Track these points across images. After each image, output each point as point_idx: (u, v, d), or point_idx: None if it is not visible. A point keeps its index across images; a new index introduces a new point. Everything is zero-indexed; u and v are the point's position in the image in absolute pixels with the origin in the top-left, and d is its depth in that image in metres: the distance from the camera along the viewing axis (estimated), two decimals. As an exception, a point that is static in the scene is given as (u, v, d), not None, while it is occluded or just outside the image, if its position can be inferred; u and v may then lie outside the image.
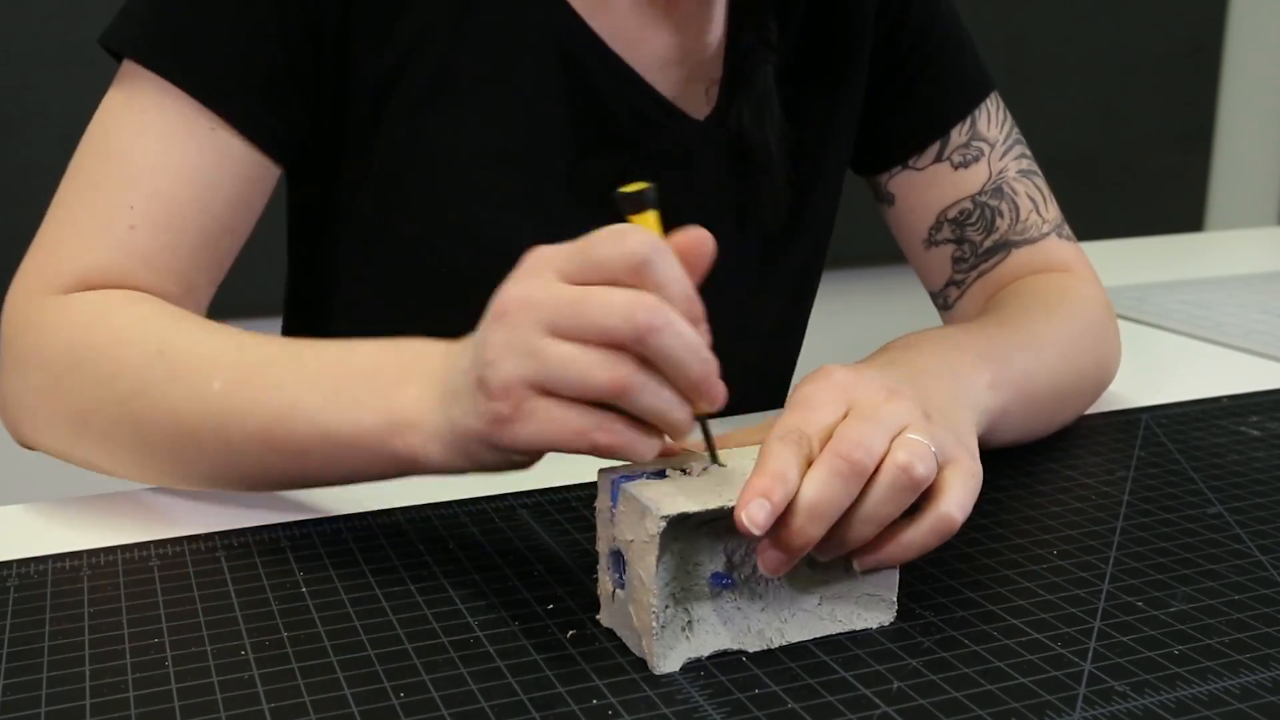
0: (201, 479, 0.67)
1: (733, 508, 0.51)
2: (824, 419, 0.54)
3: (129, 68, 0.73)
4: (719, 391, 0.52)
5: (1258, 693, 0.51)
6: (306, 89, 0.75)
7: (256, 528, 0.66)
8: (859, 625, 0.55)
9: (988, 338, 0.76)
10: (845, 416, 0.55)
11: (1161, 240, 1.57)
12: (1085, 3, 2.46)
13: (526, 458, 0.56)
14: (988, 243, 0.89)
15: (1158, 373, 0.96)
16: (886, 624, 0.56)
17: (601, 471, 0.55)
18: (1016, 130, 0.92)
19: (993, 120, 0.91)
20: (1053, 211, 0.91)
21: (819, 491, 0.51)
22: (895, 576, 0.56)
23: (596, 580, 0.56)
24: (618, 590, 0.54)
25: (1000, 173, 0.90)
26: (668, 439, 0.54)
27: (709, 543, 0.54)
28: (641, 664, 0.52)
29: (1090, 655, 0.53)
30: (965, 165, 0.89)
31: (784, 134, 0.85)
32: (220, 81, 0.72)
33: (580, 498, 0.70)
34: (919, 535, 0.55)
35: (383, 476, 0.62)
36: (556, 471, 0.74)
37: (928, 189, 0.90)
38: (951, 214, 0.90)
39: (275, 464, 0.64)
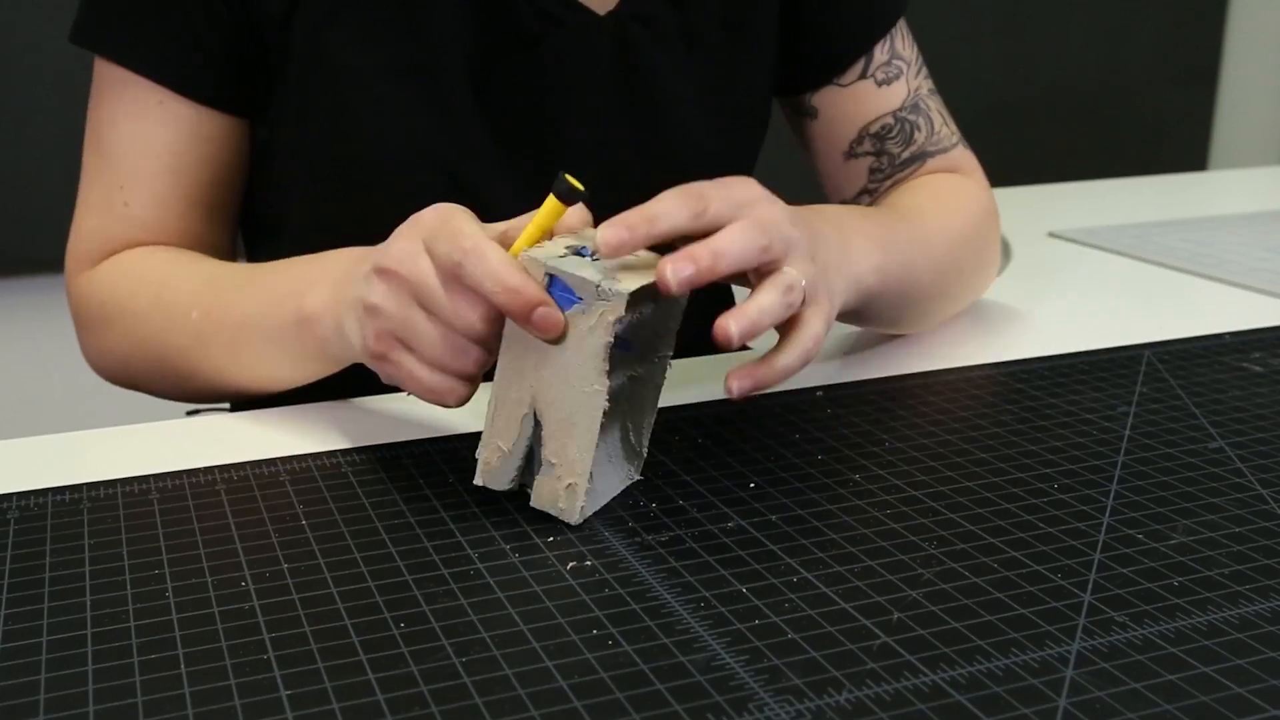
0: (212, 392, 0.77)
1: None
2: (726, 195, 0.60)
3: (97, 59, 0.81)
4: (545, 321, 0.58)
5: (1257, 623, 0.51)
6: (225, 32, 0.78)
7: (255, 461, 0.66)
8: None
9: (885, 226, 0.78)
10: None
11: (1165, 179, 1.56)
12: (1091, -61, 2.43)
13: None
14: (905, 154, 0.93)
15: (1160, 309, 0.96)
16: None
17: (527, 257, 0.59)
18: (921, 56, 0.97)
19: (906, 40, 0.95)
20: (954, 126, 0.97)
21: (731, 237, 0.58)
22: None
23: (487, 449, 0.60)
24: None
25: (916, 90, 0.94)
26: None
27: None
28: (641, 594, 0.53)
29: (1090, 587, 0.53)
30: (888, 82, 0.92)
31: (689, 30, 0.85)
32: (154, 54, 0.78)
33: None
34: (787, 359, 0.61)
35: (314, 364, 0.71)
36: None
37: (853, 104, 0.93)
38: (874, 129, 0.93)
39: (239, 370, 0.74)
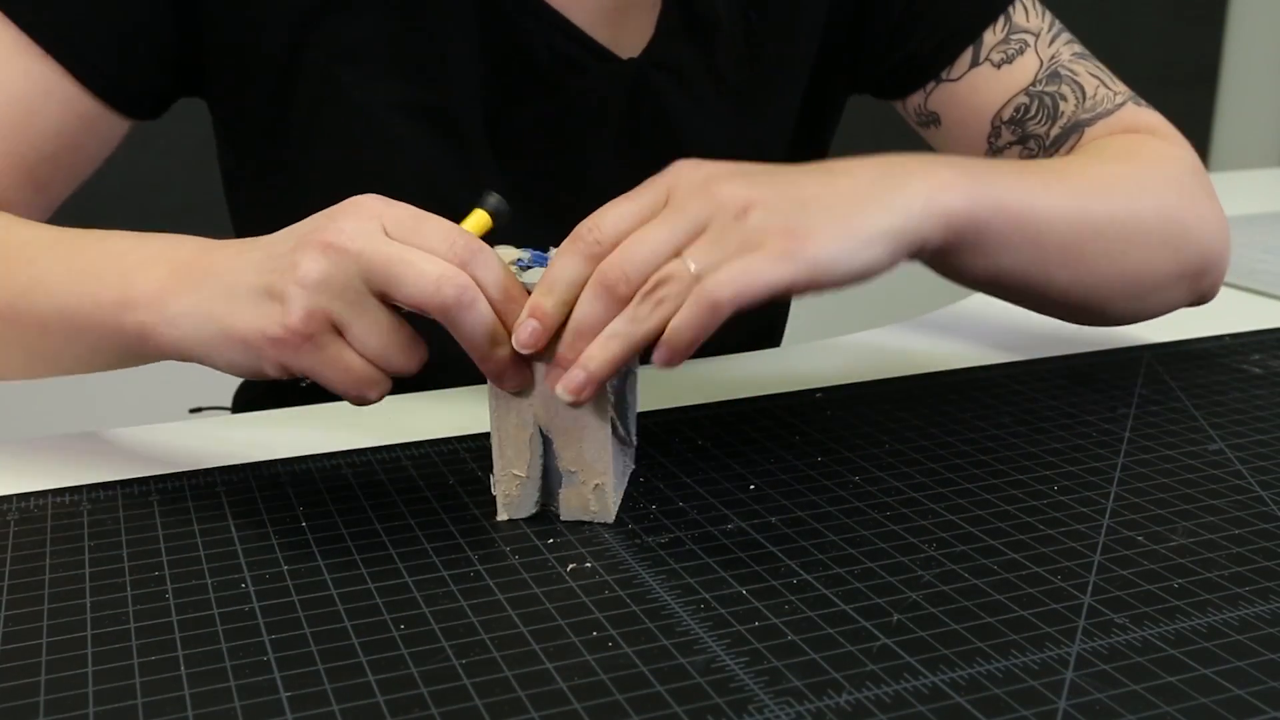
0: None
1: None
2: (628, 214, 0.57)
3: None
4: (511, 379, 0.57)
5: (1256, 625, 0.51)
6: (172, 49, 0.75)
7: (255, 463, 0.66)
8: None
9: (978, 162, 0.70)
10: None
11: (1165, 180, 1.55)
12: (1091, -60, 2.44)
13: (282, 374, 0.57)
14: (1055, 130, 0.82)
15: (1160, 311, 0.96)
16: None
17: None
18: (1059, 23, 0.85)
19: (1030, 12, 0.84)
20: (1121, 85, 0.84)
21: (582, 312, 0.55)
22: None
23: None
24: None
25: (1053, 58, 0.83)
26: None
27: None
28: (641, 596, 0.53)
29: (1090, 589, 0.53)
30: (1009, 60, 0.82)
31: (736, 65, 0.81)
32: (59, 22, 0.72)
33: (580, 434, 0.70)
34: (681, 322, 0.54)
35: (120, 358, 0.64)
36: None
37: (973, 95, 0.84)
38: (1006, 114, 0.83)
39: (19, 341, 0.65)
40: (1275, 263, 1.08)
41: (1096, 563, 0.56)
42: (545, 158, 0.80)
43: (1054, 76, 0.82)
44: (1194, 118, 2.64)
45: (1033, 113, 0.82)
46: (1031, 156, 0.83)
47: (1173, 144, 0.80)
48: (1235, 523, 0.60)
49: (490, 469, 0.60)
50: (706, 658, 0.48)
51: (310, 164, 0.79)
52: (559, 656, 0.48)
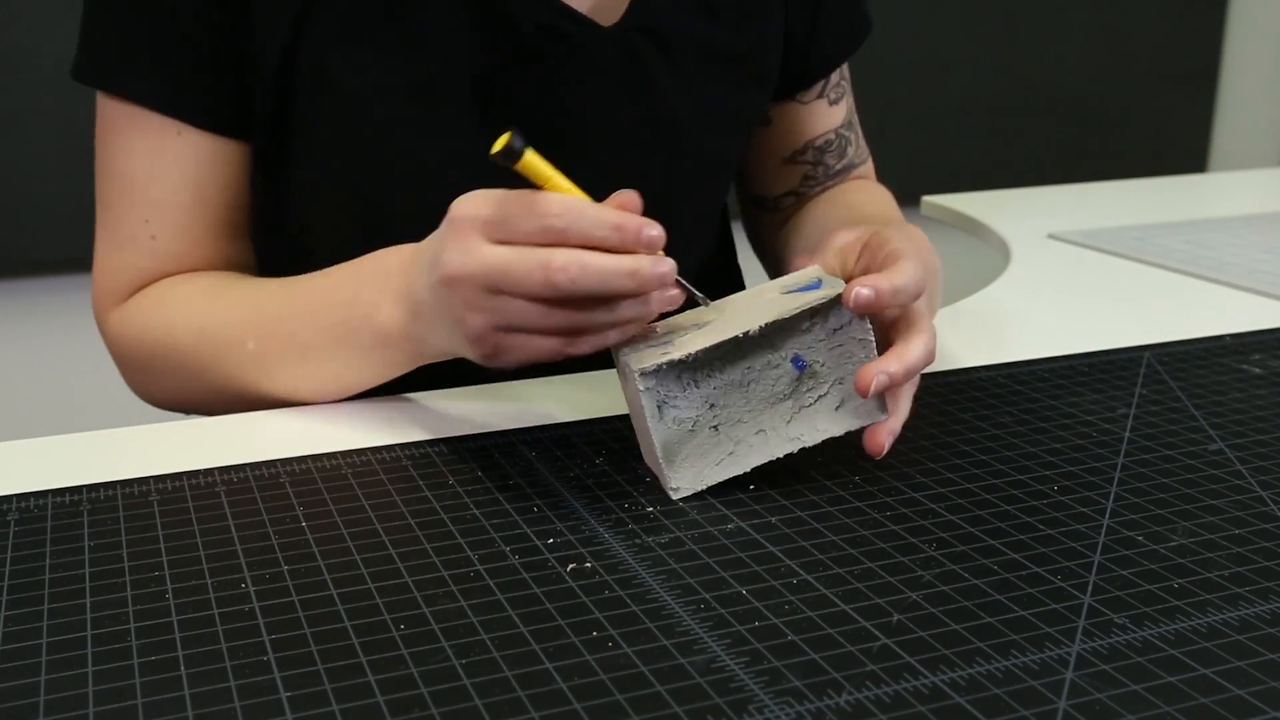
0: (272, 402, 0.76)
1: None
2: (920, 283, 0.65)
3: (100, 93, 0.79)
4: (664, 293, 0.61)
5: (1256, 625, 0.51)
6: (232, 55, 0.77)
7: (255, 463, 0.66)
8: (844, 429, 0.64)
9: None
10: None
11: (1165, 181, 1.56)
12: (1091, -59, 2.43)
13: (515, 367, 0.65)
14: (838, 166, 1.01)
15: (1160, 311, 0.96)
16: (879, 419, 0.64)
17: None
18: None
19: (846, 65, 1.01)
20: (861, 133, 1.05)
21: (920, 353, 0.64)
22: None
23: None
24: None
25: (851, 108, 1.02)
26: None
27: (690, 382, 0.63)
28: (641, 596, 0.53)
29: (1090, 589, 0.53)
30: (836, 102, 1.00)
31: (699, 35, 0.85)
32: (167, 88, 0.77)
33: (580, 434, 0.70)
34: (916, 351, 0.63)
35: (404, 369, 0.72)
36: (556, 409, 0.74)
37: (807, 119, 0.99)
38: (818, 142, 1.00)
39: (316, 385, 0.74)
40: (1274, 263, 1.08)
41: (1096, 563, 0.56)
42: (534, 128, 0.81)
43: (850, 124, 1.02)
44: (1194, 118, 2.64)
45: (834, 147, 1.01)
46: (813, 178, 1.01)
47: (885, 190, 1.03)
48: (1235, 523, 0.60)
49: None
50: (706, 658, 0.48)
51: (309, 159, 0.81)
52: (559, 656, 0.48)
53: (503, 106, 0.80)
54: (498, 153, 0.61)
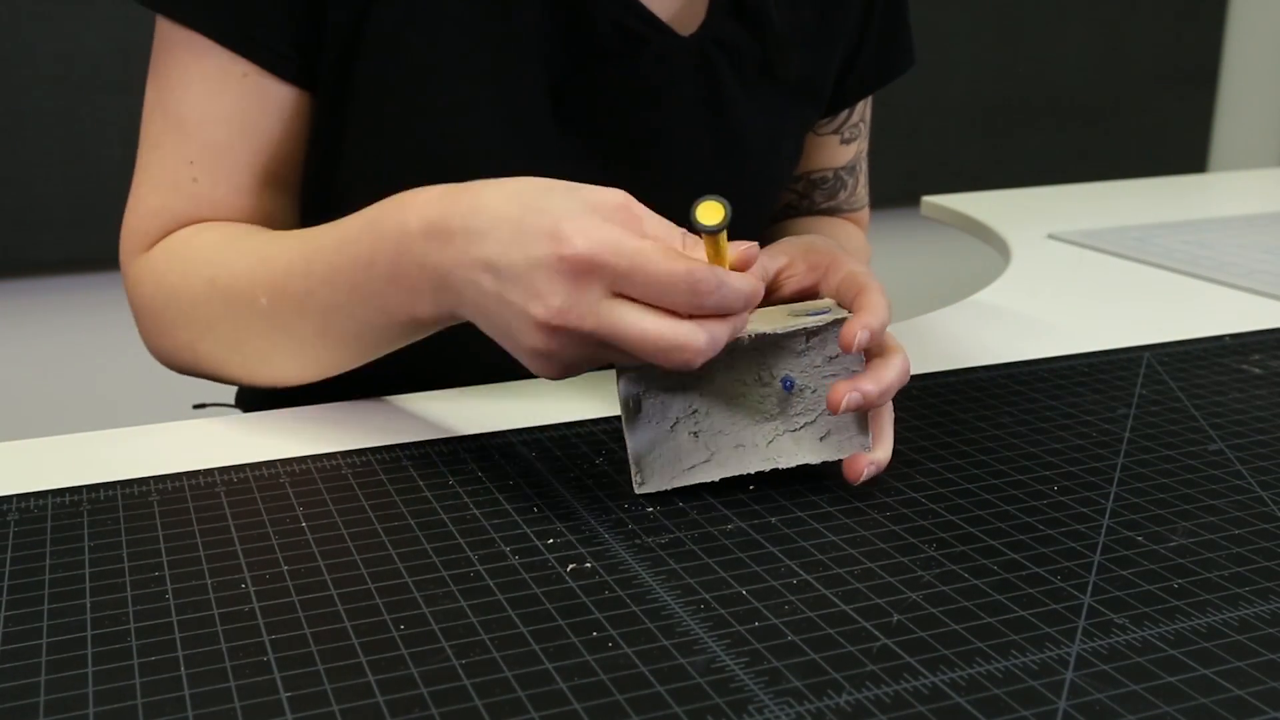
0: (294, 371, 0.72)
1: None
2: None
3: (163, 21, 0.75)
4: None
5: (1256, 625, 0.51)
6: (312, 9, 0.75)
7: (255, 463, 0.66)
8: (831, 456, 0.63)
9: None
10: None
11: (1165, 181, 1.56)
12: (1091, -59, 2.44)
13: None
14: (823, 205, 1.00)
15: (1160, 311, 0.96)
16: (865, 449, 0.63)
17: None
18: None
19: (870, 102, 0.98)
20: (866, 182, 1.03)
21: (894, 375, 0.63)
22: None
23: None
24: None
25: (860, 151, 0.99)
26: None
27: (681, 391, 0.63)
28: (641, 596, 0.53)
29: (1090, 589, 0.53)
30: (848, 142, 0.97)
31: (779, 47, 0.85)
32: (243, 25, 0.74)
33: (580, 434, 0.70)
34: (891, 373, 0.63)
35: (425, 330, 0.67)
36: (556, 409, 0.74)
37: (813, 151, 0.97)
38: (815, 176, 0.98)
39: (333, 352, 0.70)
40: (1274, 263, 1.08)
41: (1096, 563, 0.56)
42: (604, 130, 0.81)
43: (853, 168, 0.99)
44: (1194, 118, 2.64)
45: (826, 185, 0.98)
46: (793, 207, 1.00)
47: (866, 243, 1.03)
48: (1235, 523, 0.60)
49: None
50: (706, 658, 0.48)
51: (364, 132, 0.78)
52: (559, 656, 0.48)
53: (576, 102, 0.79)
54: (706, 220, 0.56)
